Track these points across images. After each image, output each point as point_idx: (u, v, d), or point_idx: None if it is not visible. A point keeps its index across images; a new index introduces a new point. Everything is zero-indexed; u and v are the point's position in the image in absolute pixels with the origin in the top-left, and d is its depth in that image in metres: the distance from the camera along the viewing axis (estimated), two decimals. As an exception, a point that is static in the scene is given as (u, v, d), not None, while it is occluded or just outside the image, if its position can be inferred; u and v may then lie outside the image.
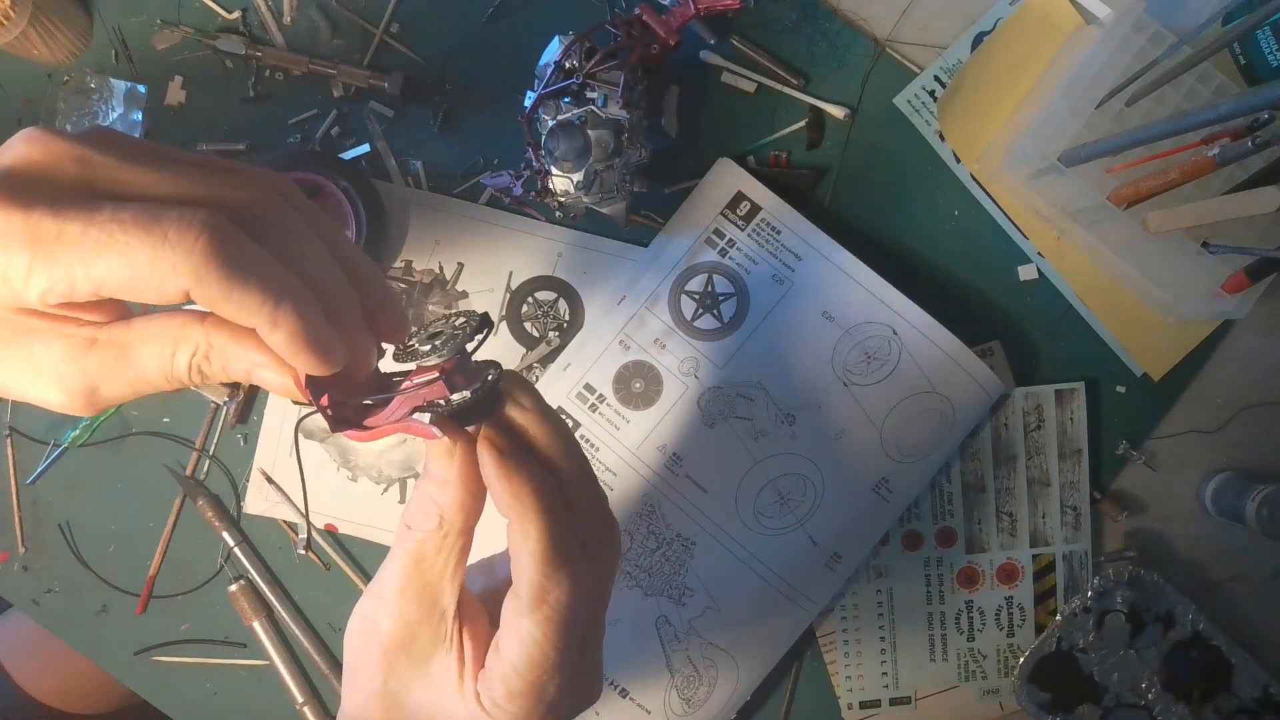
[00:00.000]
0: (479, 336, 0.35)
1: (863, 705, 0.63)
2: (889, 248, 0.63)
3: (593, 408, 0.60)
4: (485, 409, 0.34)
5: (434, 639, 0.37)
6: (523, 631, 0.34)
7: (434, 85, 0.62)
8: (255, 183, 0.30)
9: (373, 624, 0.37)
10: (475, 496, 0.35)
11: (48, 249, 0.27)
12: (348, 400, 0.34)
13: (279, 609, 0.63)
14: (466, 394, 0.33)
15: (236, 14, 0.62)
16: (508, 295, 0.62)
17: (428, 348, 0.34)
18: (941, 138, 0.62)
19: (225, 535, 0.62)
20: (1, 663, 0.71)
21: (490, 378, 0.34)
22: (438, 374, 0.33)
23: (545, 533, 0.34)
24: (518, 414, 0.35)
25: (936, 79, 0.62)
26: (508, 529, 0.35)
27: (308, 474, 0.62)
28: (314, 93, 0.62)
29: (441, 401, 0.33)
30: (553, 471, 0.35)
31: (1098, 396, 0.63)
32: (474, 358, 0.35)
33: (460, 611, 0.37)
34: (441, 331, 0.35)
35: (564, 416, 0.60)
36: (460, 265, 0.62)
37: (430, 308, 0.62)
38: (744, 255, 0.59)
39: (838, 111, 0.62)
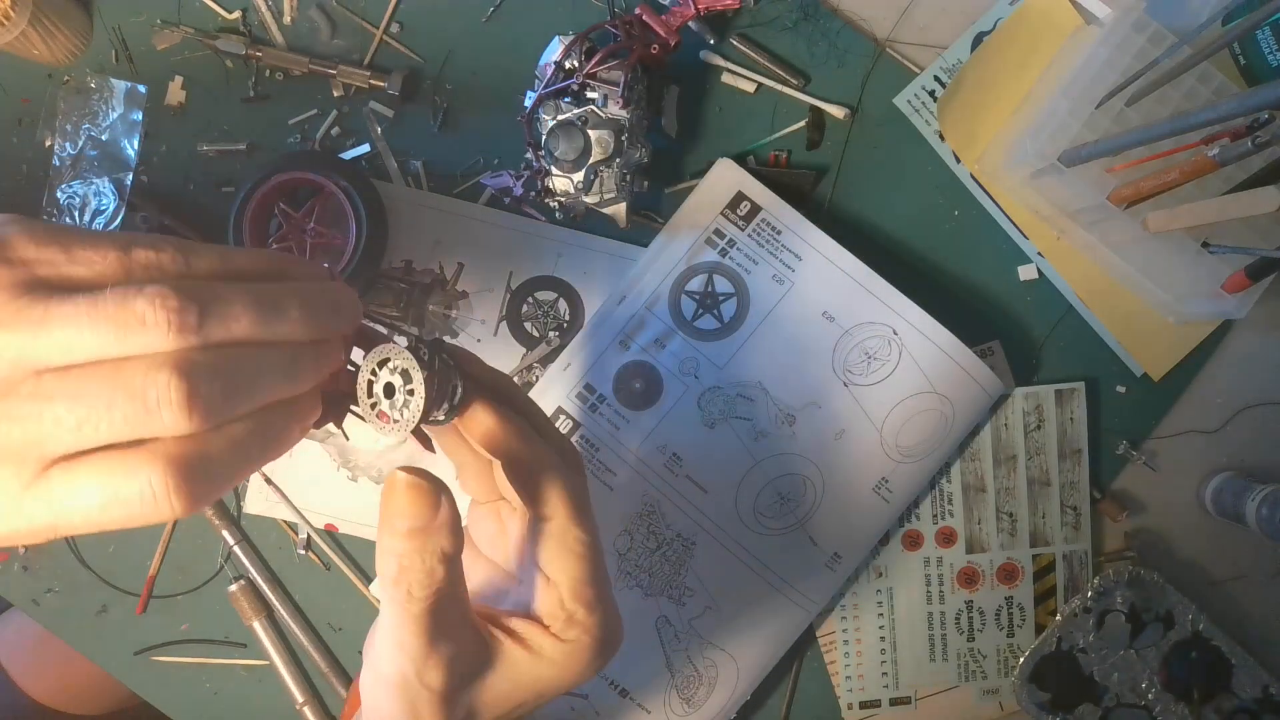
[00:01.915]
0: (436, 376, 0.34)
1: (863, 705, 0.63)
2: (889, 248, 0.63)
3: (593, 408, 0.60)
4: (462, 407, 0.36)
5: (484, 651, 0.36)
6: (576, 541, 0.36)
7: (434, 85, 0.62)
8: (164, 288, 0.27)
9: (421, 685, 0.35)
10: (457, 515, 0.35)
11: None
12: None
13: (279, 609, 0.63)
14: (445, 408, 0.34)
15: (237, 14, 0.62)
16: (508, 295, 0.62)
17: (397, 412, 0.34)
18: (941, 138, 0.62)
19: (225, 535, 0.62)
20: (1, 663, 0.71)
21: (458, 387, 0.35)
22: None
23: (552, 451, 0.37)
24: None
25: (936, 79, 0.62)
26: (509, 469, 0.36)
27: (308, 474, 0.62)
28: (314, 93, 0.62)
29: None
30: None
31: (1098, 396, 0.63)
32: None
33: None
34: (391, 384, 0.34)
35: (564, 417, 0.60)
36: (460, 265, 0.62)
37: (430, 307, 0.62)
38: (744, 255, 0.59)
39: (838, 111, 0.62)
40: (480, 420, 0.36)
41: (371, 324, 0.36)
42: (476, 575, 0.41)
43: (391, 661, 0.35)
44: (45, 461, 0.26)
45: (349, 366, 0.35)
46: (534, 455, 0.37)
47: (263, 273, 0.30)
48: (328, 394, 0.34)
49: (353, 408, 0.35)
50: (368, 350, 0.34)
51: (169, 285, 0.26)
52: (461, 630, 0.35)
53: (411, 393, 0.33)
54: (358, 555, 0.63)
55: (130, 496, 0.26)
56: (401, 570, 0.33)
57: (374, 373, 0.34)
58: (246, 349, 0.28)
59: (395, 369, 0.33)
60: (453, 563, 0.34)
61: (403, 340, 0.34)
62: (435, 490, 0.33)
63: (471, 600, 0.37)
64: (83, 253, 0.26)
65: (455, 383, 0.35)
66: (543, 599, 0.37)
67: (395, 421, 0.34)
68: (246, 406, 0.28)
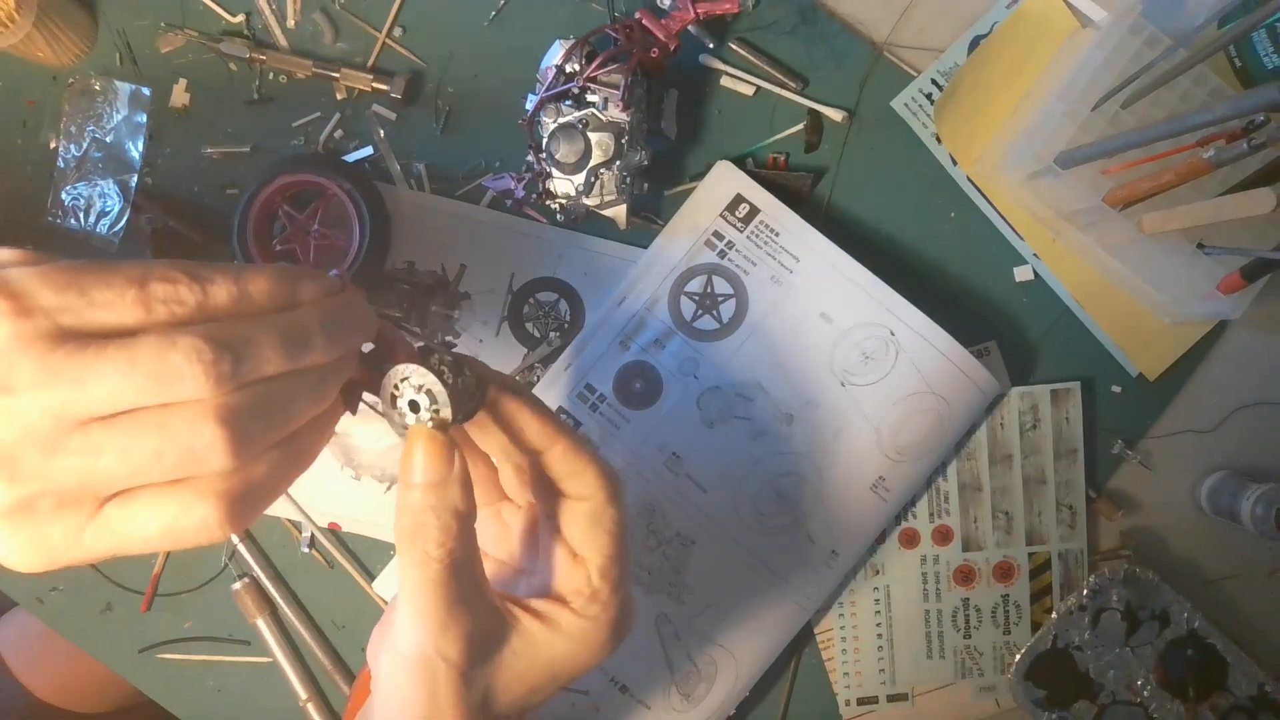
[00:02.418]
0: (461, 389, 0.35)
1: (860, 702, 0.64)
2: (886, 249, 0.63)
3: (593, 408, 0.60)
4: (481, 401, 0.37)
5: (502, 625, 0.37)
6: (609, 520, 0.38)
7: (436, 88, 0.63)
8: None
9: (440, 659, 0.35)
10: (469, 477, 0.36)
11: None
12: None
13: (282, 607, 0.63)
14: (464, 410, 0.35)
15: (240, 17, 0.62)
16: (509, 296, 0.63)
17: (425, 413, 0.35)
18: (938, 140, 0.63)
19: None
20: (5, 661, 0.72)
21: (479, 400, 0.36)
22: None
23: (581, 437, 0.39)
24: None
25: (933, 82, 0.62)
26: (549, 457, 0.38)
27: (311, 473, 0.63)
28: (317, 96, 0.63)
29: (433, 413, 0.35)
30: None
31: (1093, 396, 0.63)
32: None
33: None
34: (416, 401, 0.35)
35: (565, 417, 0.60)
36: (463, 267, 0.63)
37: (433, 309, 0.63)
38: (743, 257, 0.60)
39: (836, 114, 0.62)
40: (524, 419, 0.38)
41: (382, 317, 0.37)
42: (486, 571, 0.42)
43: (409, 635, 0.35)
44: (100, 500, 0.27)
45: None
46: (576, 440, 0.38)
47: (277, 293, 0.30)
48: (343, 388, 0.35)
49: (368, 401, 0.36)
50: (380, 346, 0.35)
51: (200, 336, 0.27)
52: (478, 601, 0.36)
53: (438, 412, 0.34)
54: (361, 554, 0.64)
55: (186, 528, 0.28)
56: (417, 525, 0.34)
57: (396, 387, 0.35)
58: (280, 381, 0.29)
59: (420, 388, 0.34)
60: (466, 522, 0.35)
61: (417, 345, 0.36)
62: (451, 444, 0.35)
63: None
64: (100, 294, 0.27)
65: (476, 396, 0.36)
66: (567, 577, 0.38)
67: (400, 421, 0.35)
68: (284, 432, 0.30)
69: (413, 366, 0.34)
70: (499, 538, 0.43)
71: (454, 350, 0.37)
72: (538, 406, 0.38)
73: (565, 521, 0.39)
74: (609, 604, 0.38)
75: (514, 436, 0.38)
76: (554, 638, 0.38)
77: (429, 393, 0.34)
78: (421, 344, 0.36)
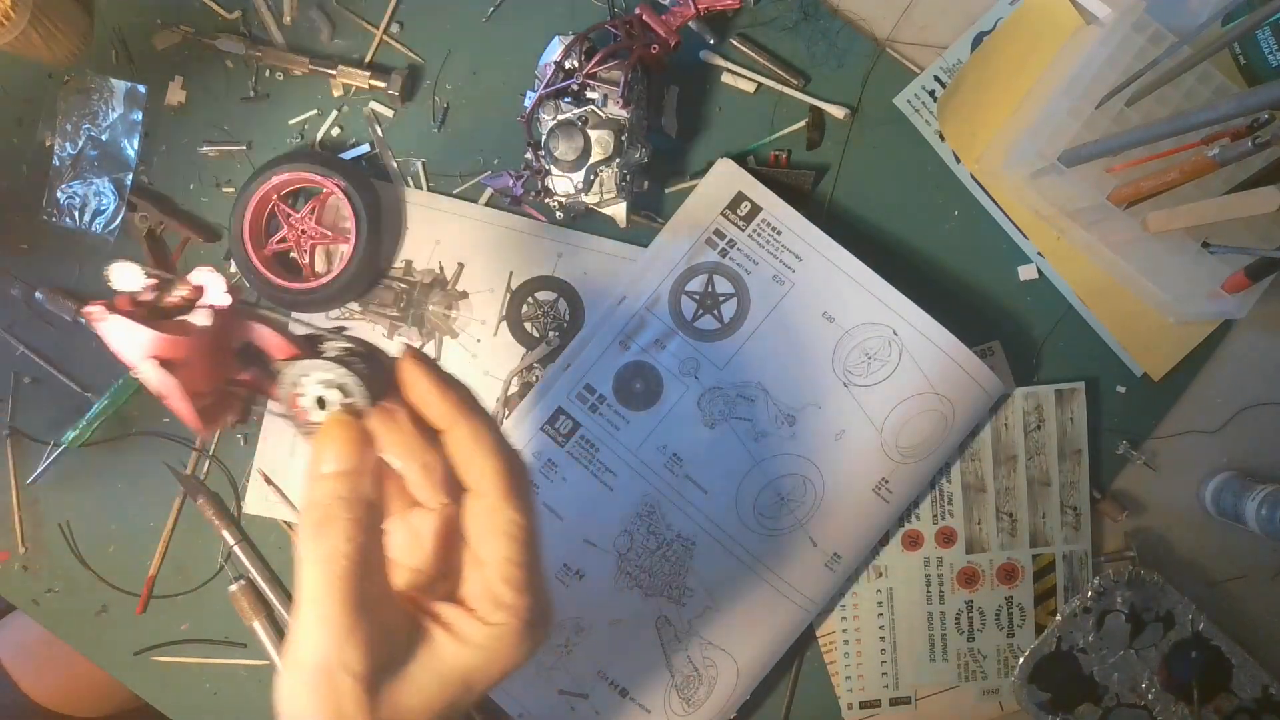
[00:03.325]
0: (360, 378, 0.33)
1: (863, 705, 0.63)
2: (889, 248, 0.63)
3: (593, 408, 0.60)
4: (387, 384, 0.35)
5: (407, 632, 0.35)
6: (505, 521, 0.35)
7: (434, 85, 0.62)
8: None
9: (343, 668, 0.33)
10: (383, 472, 0.36)
11: None
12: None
13: (279, 609, 0.63)
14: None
15: (236, 14, 0.62)
16: (508, 295, 0.62)
17: (335, 408, 0.33)
18: (941, 138, 0.62)
19: (225, 535, 0.62)
20: (5, 666, 0.71)
21: (377, 363, 0.34)
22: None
23: (490, 423, 0.36)
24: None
25: (936, 79, 0.62)
26: (451, 440, 0.36)
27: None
28: (314, 92, 0.62)
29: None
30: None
31: (1098, 396, 0.63)
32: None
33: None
34: (323, 398, 0.33)
35: (564, 416, 0.60)
36: (460, 265, 0.62)
37: (431, 308, 0.62)
38: (744, 255, 0.59)
39: (838, 111, 0.62)
40: (423, 391, 0.35)
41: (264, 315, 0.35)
42: (397, 581, 0.40)
43: (309, 643, 0.33)
44: None
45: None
46: (478, 424, 0.36)
47: None
48: (225, 391, 0.34)
49: (275, 409, 0.34)
50: (262, 345, 0.34)
51: None
52: (385, 607, 0.34)
53: (352, 403, 0.33)
54: (358, 555, 0.63)
55: None
56: (326, 518, 0.33)
57: (296, 385, 0.33)
58: None
59: (327, 382, 0.33)
60: (377, 516, 0.34)
61: (324, 348, 0.34)
62: (363, 431, 0.33)
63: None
64: None
65: (384, 376, 0.34)
66: (470, 581, 0.36)
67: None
68: None
69: (313, 362, 0.33)
70: (410, 546, 0.40)
71: (345, 332, 0.35)
72: (441, 378, 0.36)
73: (466, 521, 0.36)
74: (515, 609, 0.36)
75: (416, 412, 0.36)
76: (461, 647, 0.36)
77: (338, 386, 0.33)
78: (308, 333, 0.34)
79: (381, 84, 0.60)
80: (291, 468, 0.62)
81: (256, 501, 0.62)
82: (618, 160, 0.55)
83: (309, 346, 0.33)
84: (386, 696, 0.34)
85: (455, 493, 0.37)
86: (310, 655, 0.33)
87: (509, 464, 0.36)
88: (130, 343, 0.32)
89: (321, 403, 0.33)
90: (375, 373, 0.34)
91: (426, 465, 0.38)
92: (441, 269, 0.62)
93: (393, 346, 0.36)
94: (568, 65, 0.54)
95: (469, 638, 0.35)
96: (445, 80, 0.62)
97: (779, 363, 0.59)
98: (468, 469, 0.36)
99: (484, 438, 0.36)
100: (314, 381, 0.33)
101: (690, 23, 0.57)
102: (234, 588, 0.62)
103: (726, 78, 0.62)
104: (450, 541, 0.38)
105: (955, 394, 0.59)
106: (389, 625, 0.34)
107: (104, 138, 0.62)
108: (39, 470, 0.63)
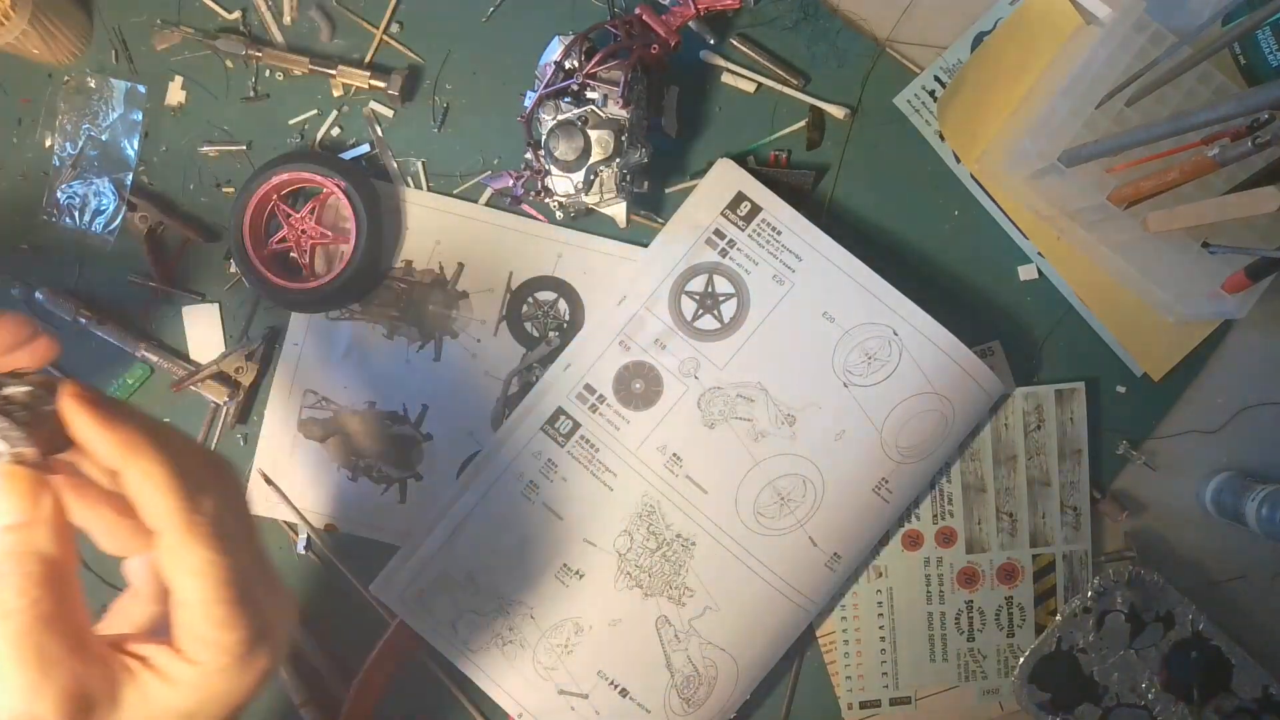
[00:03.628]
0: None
1: (863, 705, 0.63)
2: (889, 248, 0.63)
3: (593, 408, 0.60)
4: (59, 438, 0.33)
5: (108, 679, 0.33)
6: (192, 560, 0.34)
7: (434, 85, 0.62)
8: None
9: None
10: (66, 521, 0.34)
11: None
12: None
13: (279, 609, 0.63)
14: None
15: (236, 14, 0.62)
16: (508, 295, 0.62)
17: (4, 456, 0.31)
18: (941, 138, 0.62)
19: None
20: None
21: (50, 411, 0.33)
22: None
23: (169, 460, 0.34)
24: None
25: (936, 79, 0.62)
26: (126, 482, 0.34)
27: (308, 474, 0.63)
28: (314, 93, 0.62)
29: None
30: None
31: (1098, 396, 0.63)
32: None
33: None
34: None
35: (564, 416, 0.60)
36: (460, 265, 0.62)
37: (431, 308, 0.62)
38: (744, 255, 0.59)
39: (838, 111, 0.62)
40: (85, 431, 0.33)
41: None
42: (140, 619, 0.39)
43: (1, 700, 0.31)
44: None
45: None
46: (152, 462, 0.34)
47: None
48: None
49: None
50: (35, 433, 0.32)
51: None
52: (78, 656, 0.32)
53: (21, 452, 0.31)
54: (357, 555, 0.63)
55: None
56: None
57: None
58: None
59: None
60: (56, 569, 0.32)
61: None
62: (37, 481, 0.32)
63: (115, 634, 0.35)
64: None
65: (56, 428, 0.33)
66: (176, 622, 0.35)
67: None
68: None
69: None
70: (154, 583, 0.39)
71: (24, 374, 0.34)
72: (107, 415, 0.33)
73: (160, 562, 0.34)
74: (221, 646, 0.34)
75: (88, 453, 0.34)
76: (169, 688, 0.34)
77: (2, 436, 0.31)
78: None
79: (381, 84, 0.60)
80: (291, 468, 0.62)
81: (256, 501, 0.62)
82: (618, 160, 0.55)
83: None
84: None
85: (149, 535, 0.35)
86: (2, 713, 0.32)
87: (188, 502, 0.34)
88: None
89: None
90: (42, 420, 0.32)
91: (120, 511, 0.36)
92: (441, 269, 0.62)
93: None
94: (568, 65, 0.54)
95: (177, 678, 0.34)
96: (445, 80, 0.62)
97: (779, 363, 0.59)
98: (147, 512, 0.34)
99: (157, 476, 0.33)
100: None
101: (690, 23, 0.57)
102: (234, 588, 0.62)
103: (726, 78, 0.62)
104: (160, 583, 0.36)
105: (955, 394, 0.59)
106: (86, 672, 0.33)
107: (104, 138, 0.62)
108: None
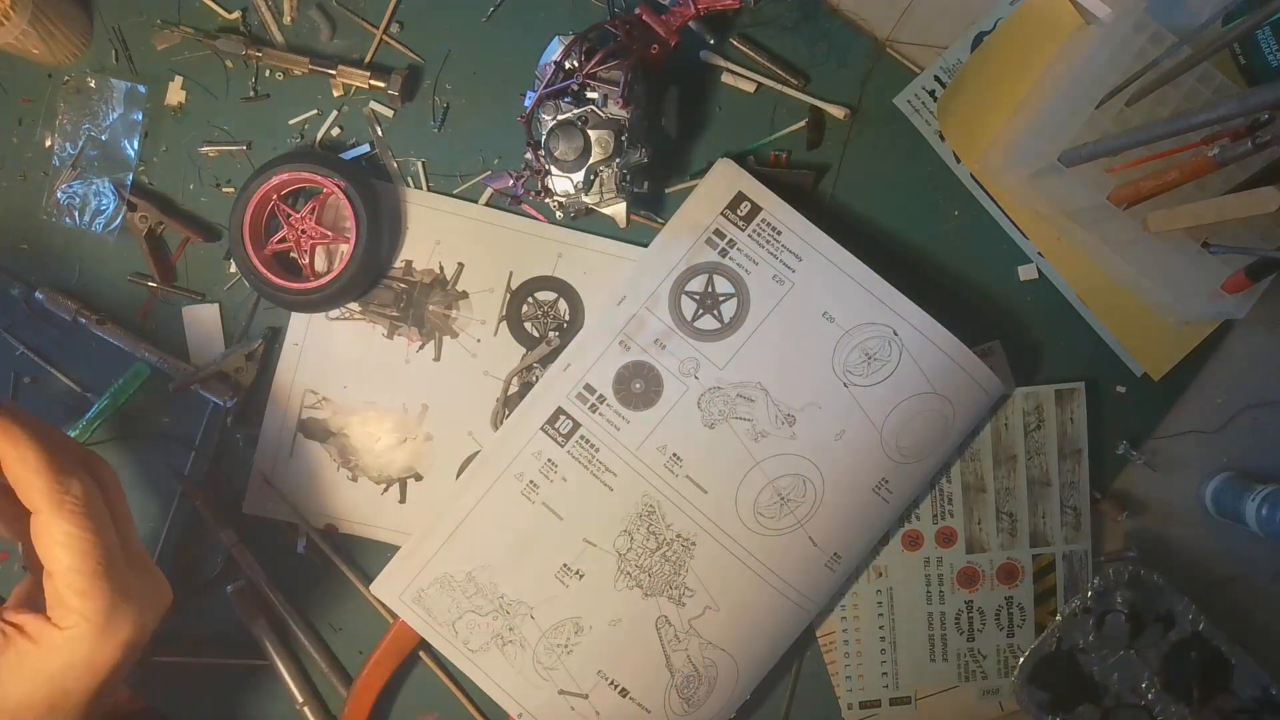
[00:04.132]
0: None
1: (863, 705, 0.63)
2: (889, 248, 0.63)
3: (593, 408, 0.60)
4: None
5: None
6: (58, 533, 0.39)
7: (434, 85, 0.62)
8: None
9: None
10: None
11: None
12: None
13: (279, 609, 0.63)
14: None
15: (236, 14, 0.62)
16: (508, 295, 0.62)
17: None
18: (941, 138, 0.62)
19: (225, 536, 0.62)
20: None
21: None
22: None
23: (41, 447, 0.40)
24: None
25: (937, 79, 0.62)
26: (5, 467, 0.40)
27: (308, 474, 0.63)
28: (314, 93, 0.62)
29: None
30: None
31: (1098, 396, 0.63)
32: None
33: None
34: None
35: (564, 416, 0.60)
36: (460, 265, 0.62)
37: (431, 308, 0.62)
38: (744, 255, 0.59)
39: (838, 111, 0.62)
40: None
41: None
42: (20, 593, 0.45)
43: None
44: None
45: None
46: (17, 455, 0.39)
47: None
48: None
49: None
50: None
51: None
52: None
53: None
54: (357, 555, 0.63)
55: None
56: None
57: None
58: None
59: None
60: None
61: None
62: None
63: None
64: None
65: None
66: (47, 590, 0.40)
67: None
68: None
69: None
70: (34, 560, 0.44)
71: None
72: None
73: (33, 537, 0.40)
74: (84, 612, 0.40)
75: None
76: (43, 652, 0.39)
77: None
78: None
79: (381, 84, 0.60)
80: (291, 468, 0.62)
81: (256, 502, 0.62)
82: (617, 160, 0.55)
83: None
84: None
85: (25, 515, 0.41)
86: None
87: (57, 484, 0.40)
88: None
89: None
90: None
91: (8, 497, 0.42)
92: (441, 269, 0.62)
93: None
94: (568, 65, 0.54)
95: (45, 642, 0.40)
96: (445, 80, 0.62)
97: (779, 363, 0.59)
98: (23, 492, 0.40)
99: (30, 460, 0.39)
100: None
101: (690, 23, 0.57)
102: (233, 588, 0.62)
103: (726, 78, 0.62)
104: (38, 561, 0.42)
105: (955, 394, 0.59)
106: None
107: (104, 138, 0.62)
108: None
